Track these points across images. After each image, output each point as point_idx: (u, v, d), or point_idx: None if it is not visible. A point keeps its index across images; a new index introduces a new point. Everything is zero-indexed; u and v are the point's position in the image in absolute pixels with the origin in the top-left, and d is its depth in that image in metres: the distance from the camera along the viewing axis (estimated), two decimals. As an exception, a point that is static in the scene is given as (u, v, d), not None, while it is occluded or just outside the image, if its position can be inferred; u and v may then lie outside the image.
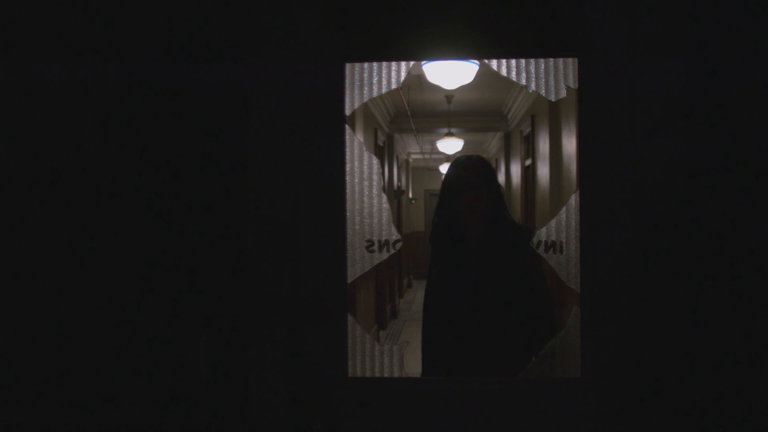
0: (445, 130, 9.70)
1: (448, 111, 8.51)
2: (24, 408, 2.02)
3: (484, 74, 5.63)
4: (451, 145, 10.00)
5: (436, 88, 6.22)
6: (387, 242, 2.24)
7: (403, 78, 2.17)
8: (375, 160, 2.22)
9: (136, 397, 2.01)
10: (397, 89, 2.20)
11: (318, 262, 2.05)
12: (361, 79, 2.17)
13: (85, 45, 2.01)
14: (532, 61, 2.14)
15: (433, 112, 8.89)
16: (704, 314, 1.93)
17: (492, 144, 12.02)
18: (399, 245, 2.25)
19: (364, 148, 2.21)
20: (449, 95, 7.60)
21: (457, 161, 2.64)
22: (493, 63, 2.16)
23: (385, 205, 2.24)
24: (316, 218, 2.05)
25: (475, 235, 2.55)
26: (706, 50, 1.93)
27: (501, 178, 10.95)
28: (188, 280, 2.01)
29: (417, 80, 6.67)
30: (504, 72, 2.16)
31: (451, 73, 5.52)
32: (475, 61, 5.01)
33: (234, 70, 2.00)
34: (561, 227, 2.18)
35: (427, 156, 13.63)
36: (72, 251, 2.01)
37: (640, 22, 1.94)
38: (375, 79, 2.17)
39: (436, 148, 10.87)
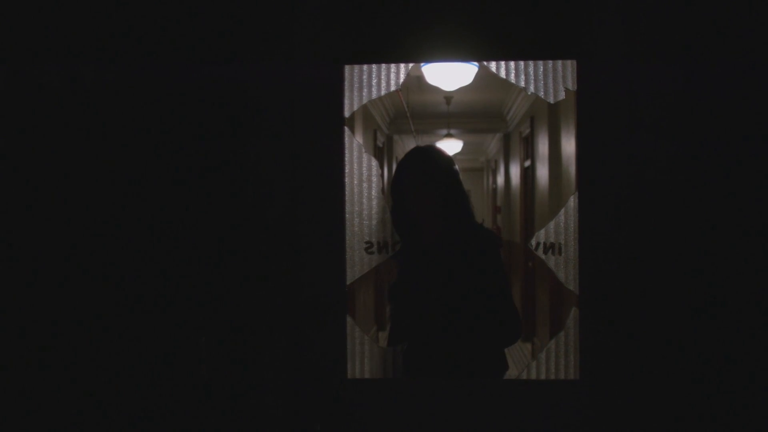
0: (445, 132, 9.69)
1: (448, 112, 8.50)
2: (23, 407, 2.02)
3: (483, 76, 5.62)
4: (450, 147, 9.98)
5: (436, 90, 6.21)
6: (386, 244, 2.24)
7: (402, 80, 2.18)
8: (374, 162, 2.22)
9: (136, 397, 2.01)
10: (396, 91, 2.20)
11: (317, 264, 2.06)
12: (361, 81, 2.17)
13: (85, 45, 2.01)
14: (531, 63, 2.15)
15: (433, 113, 8.87)
16: (703, 315, 1.93)
17: (491, 145, 12.02)
18: (398, 247, 2.25)
19: (363, 150, 2.21)
20: (448, 97, 7.60)
21: (418, 155, 2.32)
22: (492, 65, 2.16)
23: (385, 206, 2.24)
24: (315, 220, 2.05)
25: (430, 233, 2.28)
26: (703, 53, 1.93)
27: (500, 179, 10.95)
28: (188, 280, 2.01)
29: (416, 82, 6.66)
30: (503, 74, 2.17)
31: (450, 75, 5.52)
32: (475, 63, 5.01)
33: (233, 71, 2.00)
34: (560, 229, 2.19)
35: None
36: (71, 251, 2.02)
37: (639, 25, 1.95)
38: (374, 81, 2.18)
39: (436, 150, 10.78)
